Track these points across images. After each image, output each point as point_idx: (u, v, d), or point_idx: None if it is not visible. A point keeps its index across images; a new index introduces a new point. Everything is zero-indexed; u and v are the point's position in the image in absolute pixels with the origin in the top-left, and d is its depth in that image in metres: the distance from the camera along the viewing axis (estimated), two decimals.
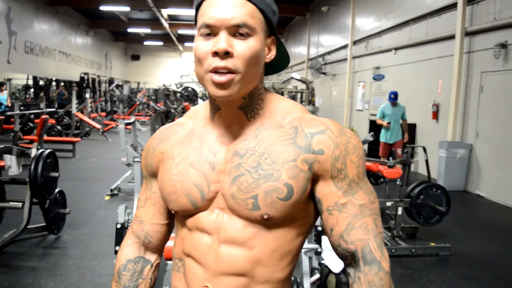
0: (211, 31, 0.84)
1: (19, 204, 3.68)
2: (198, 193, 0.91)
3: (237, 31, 0.84)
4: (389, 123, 7.11)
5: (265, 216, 0.86)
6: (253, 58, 0.85)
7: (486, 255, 4.23)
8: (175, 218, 1.02)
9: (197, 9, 0.90)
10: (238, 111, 0.91)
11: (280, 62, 1.01)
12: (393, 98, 6.97)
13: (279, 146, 0.88)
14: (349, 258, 0.89)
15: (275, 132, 0.90)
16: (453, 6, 7.53)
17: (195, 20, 0.91)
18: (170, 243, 2.26)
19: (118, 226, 2.63)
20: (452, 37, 7.49)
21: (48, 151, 4.09)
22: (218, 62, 0.83)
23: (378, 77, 11.14)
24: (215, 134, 0.94)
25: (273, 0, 0.92)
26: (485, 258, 4.13)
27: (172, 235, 2.59)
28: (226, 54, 0.82)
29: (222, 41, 0.82)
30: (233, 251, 0.89)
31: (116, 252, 2.66)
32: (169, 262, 2.62)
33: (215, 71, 0.83)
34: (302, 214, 0.91)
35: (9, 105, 12.36)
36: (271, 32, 0.92)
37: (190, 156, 0.94)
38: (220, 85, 0.83)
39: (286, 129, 0.91)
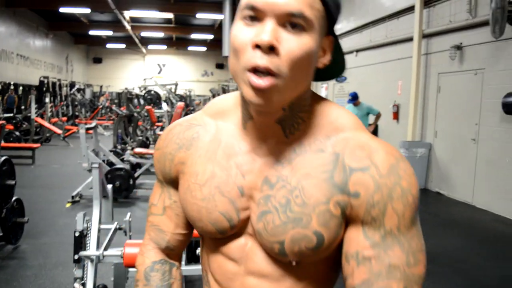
0: (256, 16, 0.67)
1: None
2: (227, 222, 0.79)
3: (289, 21, 0.66)
4: None
5: (293, 263, 0.76)
6: (303, 61, 0.67)
7: (446, 250, 4.37)
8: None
9: None
10: (275, 125, 0.75)
11: (334, 68, 0.83)
12: (351, 99, 7.04)
13: (315, 181, 0.73)
14: None
15: (313, 159, 0.75)
16: (410, 9, 7.76)
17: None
18: (131, 250, 2.23)
19: (77, 234, 2.57)
20: (410, 39, 7.72)
21: (3, 158, 3.95)
22: (258, 59, 0.65)
23: (340, 79, 11.33)
24: (246, 148, 0.79)
25: None
26: (446, 254, 4.26)
27: (129, 241, 2.52)
28: (270, 50, 0.65)
29: (267, 30, 0.65)
30: (261, 285, 0.79)
31: (75, 260, 2.59)
32: (130, 269, 2.57)
33: (254, 70, 0.66)
34: (338, 249, 0.77)
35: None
36: (330, 30, 0.74)
37: (216, 176, 0.79)
38: (258, 91, 0.67)
39: (326, 155, 0.74)
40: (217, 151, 0.81)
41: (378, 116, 7.17)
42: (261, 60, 0.65)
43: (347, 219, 0.73)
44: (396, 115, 8.55)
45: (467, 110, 6.54)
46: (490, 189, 6.02)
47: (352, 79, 10.73)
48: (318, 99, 0.79)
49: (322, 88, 12.96)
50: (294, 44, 0.66)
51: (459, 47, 6.54)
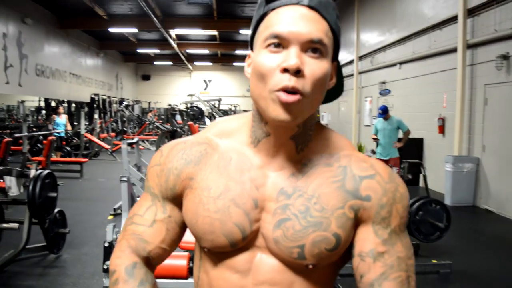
0: (280, 44, 0.75)
1: (16, 225, 3.72)
2: (240, 234, 0.82)
3: (311, 47, 0.75)
4: (376, 138, 7.13)
5: (310, 266, 0.81)
6: (322, 81, 0.76)
7: (489, 271, 4.13)
8: (198, 250, 0.92)
9: (259, 20, 0.81)
10: (289, 141, 0.83)
11: (334, 91, 0.91)
12: (381, 113, 6.90)
13: (328, 189, 0.81)
14: None
15: (324, 171, 0.83)
16: (454, 19, 7.53)
17: (253, 34, 0.83)
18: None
19: (106, 244, 2.65)
20: (454, 50, 7.47)
21: (46, 171, 4.15)
22: (287, 81, 0.73)
23: (384, 92, 11.12)
24: (258, 164, 0.84)
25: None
26: (488, 275, 4.03)
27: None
28: (297, 73, 0.73)
29: (294, 56, 0.73)
30: None
31: (104, 270, 2.67)
32: (158, 280, 2.62)
33: (284, 90, 0.73)
34: (342, 255, 0.86)
35: (69, 129, 12.15)
36: (335, 56, 0.83)
37: (230, 190, 0.83)
38: (287, 106, 0.74)
39: (334, 168, 0.83)
40: (229, 167, 0.84)
41: (407, 133, 6.93)
42: (290, 82, 0.73)
43: (358, 221, 0.81)
44: (441, 129, 8.24)
45: None
46: None
47: (395, 92, 10.50)
48: (319, 124, 0.89)
49: (366, 102, 12.75)
50: (316, 67, 0.75)
51: (505, 57, 6.25)
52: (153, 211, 0.90)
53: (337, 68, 0.86)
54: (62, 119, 11.38)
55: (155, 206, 0.90)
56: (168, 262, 2.33)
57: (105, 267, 2.65)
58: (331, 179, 0.82)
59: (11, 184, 4.18)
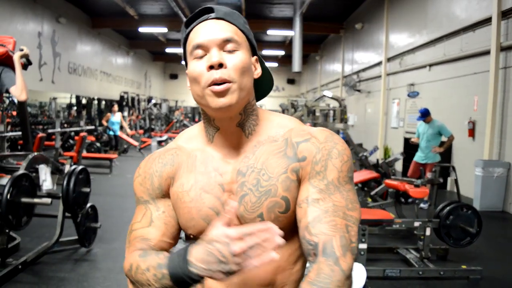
0: (203, 51, 0.91)
1: (48, 200, 3.78)
2: (215, 215, 0.93)
3: (226, 46, 0.90)
4: (413, 141, 6.97)
5: None
6: (244, 68, 0.90)
7: None
8: (188, 240, 1.03)
9: (185, 41, 0.97)
10: (236, 128, 0.95)
11: (265, 86, 1.08)
12: (421, 116, 6.70)
13: (273, 159, 0.93)
14: (312, 254, 0.86)
15: (270, 146, 0.95)
16: (487, 20, 7.36)
17: (184, 53, 0.98)
18: None
19: None
20: (487, 52, 7.30)
21: (80, 167, 4.27)
22: (215, 75, 0.88)
23: (412, 94, 10.95)
24: (218, 156, 0.98)
25: (249, 27, 1.00)
26: None
27: None
28: (220, 66, 0.88)
29: (215, 55, 0.89)
30: None
31: None
32: None
33: (214, 83, 0.88)
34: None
35: (125, 126, 12.11)
36: (254, 52, 0.99)
37: (199, 181, 0.96)
38: (219, 94, 0.88)
39: (279, 142, 0.96)
40: (195, 163, 0.98)
41: (450, 139, 6.61)
42: (216, 74, 0.87)
43: (299, 181, 0.92)
44: (471, 132, 8.07)
45: None
46: None
47: (424, 95, 10.33)
48: (262, 110, 1.02)
49: (393, 104, 12.59)
50: (234, 59, 0.90)
51: None
52: (148, 214, 1.01)
53: (260, 62, 1.01)
54: (116, 118, 11.18)
55: (149, 210, 1.02)
56: None
57: None
58: (275, 151, 0.94)
59: (46, 177, 4.31)
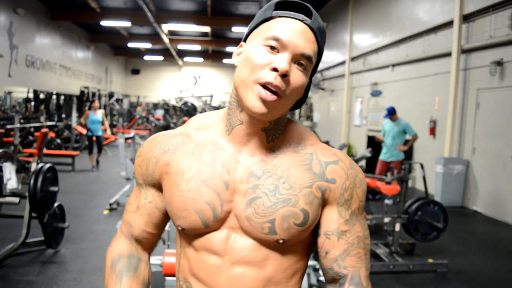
0: (277, 47, 0.85)
1: (16, 199, 3.62)
2: (211, 212, 0.89)
3: (300, 60, 0.86)
4: (379, 139, 7.11)
5: (280, 241, 0.88)
6: (299, 90, 0.87)
7: (483, 271, 4.24)
8: (179, 235, 0.99)
9: (264, 20, 0.89)
10: (260, 131, 0.91)
11: (298, 102, 1.02)
12: (387, 114, 6.83)
13: (296, 171, 0.90)
14: (336, 281, 0.93)
15: (291, 157, 0.92)
16: (449, 24, 7.64)
17: (253, 28, 0.91)
18: (170, 259, 2.29)
19: None
20: (448, 54, 7.59)
21: (48, 165, 4.12)
22: (272, 79, 0.82)
23: (375, 93, 11.23)
24: (230, 150, 0.92)
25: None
26: (483, 274, 4.14)
27: (169, 251, 2.60)
28: (284, 76, 0.83)
29: (286, 62, 0.83)
30: (246, 272, 0.89)
31: None
32: (168, 278, 2.64)
33: (265, 86, 0.83)
34: (309, 235, 0.94)
35: (108, 129, 10.89)
36: (311, 75, 0.95)
37: (202, 172, 0.90)
38: (264, 102, 0.83)
39: (301, 154, 0.93)
40: (203, 153, 0.92)
41: (414, 137, 6.80)
42: (276, 80, 0.82)
43: (324, 202, 0.91)
44: (432, 131, 8.37)
45: (507, 127, 6.35)
46: None
47: (387, 94, 10.61)
48: (289, 120, 0.99)
49: (356, 102, 12.86)
50: (298, 77, 0.86)
51: (499, 63, 6.39)
52: (139, 198, 1.01)
53: (309, 84, 0.97)
54: (97, 115, 9.47)
55: (141, 194, 1.01)
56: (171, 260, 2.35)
57: None
58: (298, 163, 0.91)
59: (11, 176, 4.13)
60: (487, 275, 4.13)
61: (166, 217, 1.01)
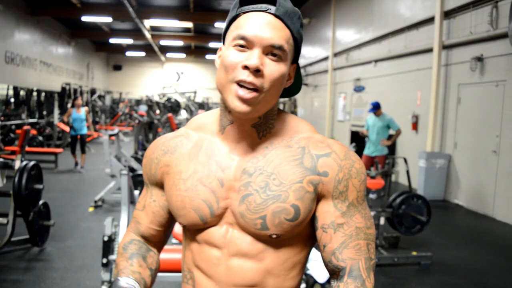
0: (246, 45, 0.85)
1: (4, 220, 3.62)
2: (207, 208, 0.92)
3: (271, 51, 0.85)
4: (363, 133, 7.15)
5: (273, 236, 0.89)
6: (279, 81, 0.87)
7: (466, 263, 4.35)
8: (184, 231, 1.03)
9: (232, 20, 0.90)
10: (251, 128, 0.92)
11: (293, 88, 1.04)
12: (372, 108, 6.85)
13: (287, 166, 0.90)
14: (337, 274, 0.92)
15: (283, 152, 0.92)
16: (430, 20, 7.76)
17: (226, 30, 0.92)
18: (164, 256, 2.30)
19: (105, 238, 2.65)
20: (430, 50, 7.71)
21: (32, 163, 4.08)
22: (245, 76, 0.83)
23: (358, 89, 11.34)
24: (224, 149, 0.95)
25: (302, 32, 0.95)
26: (466, 266, 4.24)
27: (169, 247, 2.62)
28: (256, 72, 0.83)
29: (255, 57, 0.83)
30: (244, 264, 0.92)
31: (103, 264, 2.68)
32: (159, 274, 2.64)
33: (240, 84, 0.84)
34: (308, 228, 0.94)
35: (90, 126, 10.38)
36: (295, 60, 0.95)
37: (198, 172, 0.94)
38: (243, 101, 0.84)
39: (293, 149, 0.92)
40: (199, 154, 0.96)
41: (398, 132, 6.84)
42: (248, 77, 0.83)
43: (319, 195, 0.91)
44: (415, 126, 8.51)
45: (487, 122, 6.50)
46: (511, 202, 5.96)
47: (370, 89, 10.73)
48: (282, 112, 0.99)
49: (340, 98, 12.97)
50: (274, 69, 0.86)
51: (480, 59, 6.52)
52: (146, 197, 1.07)
53: (297, 69, 0.98)
54: (80, 113, 8.85)
55: (147, 193, 1.07)
56: (165, 256, 2.36)
57: (104, 261, 2.65)
58: (290, 158, 0.91)
59: None
60: (470, 267, 4.24)
61: (170, 215, 1.05)
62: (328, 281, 2.93)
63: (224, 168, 0.93)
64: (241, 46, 0.85)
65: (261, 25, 0.85)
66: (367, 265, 0.90)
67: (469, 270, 4.15)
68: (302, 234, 0.94)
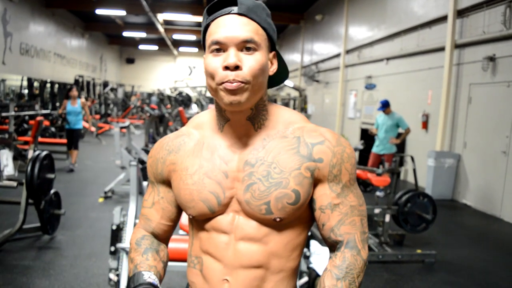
0: (221, 48, 0.93)
1: (14, 183, 3.67)
2: (215, 199, 1.01)
3: (245, 46, 0.93)
4: (371, 132, 7.16)
5: (277, 219, 0.99)
6: (260, 70, 0.94)
7: (470, 262, 4.35)
8: (190, 222, 1.11)
9: (205, 30, 0.99)
10: (246, 122, 1.01)
11: (280, 76, 1.12)
12: (381, 106, 6.86)
13: (285, 155, 0.99)
14: (335, 247, 1.03)
15: (280, 142, 1.01)
16: (443, 18, 7.71)
17: (203, 40, 1.01)
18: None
19: (114, 227, 2.72)
20: (442, 49, 7.67)
21: (44, 153, 4.17)
22: (229, 76, 0.92)
23: (370, 86, 11.31)
24: (225, 144, 1.03)
25: (271, 20, 1.03)
26: (469, 265, 4.25)
27: (176, 237, 2.69)
28: (236, 68, 0.92)
29: (232, 56, 0.92)
30: (250, 247, 1.01)
31: (111, 252, 2.75)
32: None
33: (227, 81, 0.92)
34: (306, 212, 1.04)
35: (88, 119, 9.17)
36: (272, 47, 1.03)
37: (203, 167, 1.02)
38: (232, 91, 0.92)
39: (289, 139, 1.01)
40: (202, 150, 1.05)
41: (407, 131, 6.83)
42: (231, 76, 0.91)
43: (315, 180, 1.00)
44: (425, 125, 8.47)
45: (498, 122, 6.46)
46: None
47: (381, 87, 10.69)
48: (271, 104, 1.07)
49: (351, 95, 12.94)
50: (252, 61, 0.93)
51: (492, 59, 6.47)
52: (153, 195, 1.14)
53: (278, 56, 1.05)
54: (75, 105, 8.10)
55: (154, 191, 1.14)
56: (173, 245, 2.42)
57: (112, 249, 2.72)
58: (287, 147, 1.00)
59: (8, 162, 4.18)
60: (473, 266, 4.24)
61: (178, 209, 1.14)
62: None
63: (228, 161, 1.02)
64: (217, 50, 0.94)
65: (229, 26, 0.93)
66: (362, 238, 1.02)
67: (473, 269, 4.16)
68: (302, 217, 1.04)
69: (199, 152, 1.05)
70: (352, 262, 0.99)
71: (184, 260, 2.50)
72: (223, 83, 0.92)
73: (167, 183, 1.10)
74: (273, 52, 1.03)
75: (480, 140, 6.89)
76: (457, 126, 7.53)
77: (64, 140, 9.22)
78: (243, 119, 1.01)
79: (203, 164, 1.03)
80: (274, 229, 1.01)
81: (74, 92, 8.18)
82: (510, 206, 6.10)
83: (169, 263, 2.60)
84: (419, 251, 4.30)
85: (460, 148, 7.40)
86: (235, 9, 0.94)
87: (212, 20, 0.96)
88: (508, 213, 6.14)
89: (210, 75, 0.95)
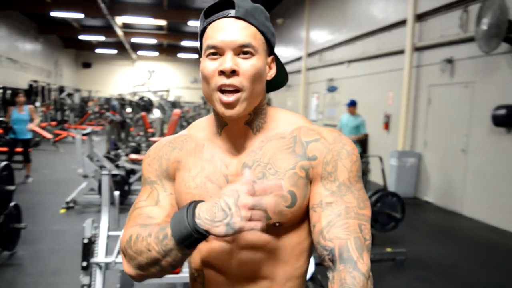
0: (217, 52, 0.90)
1: None
2: None
3: (242, 51, 0.89)
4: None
5: (276, 224, 0.93)
6: (257, 76, 0.91)
7: (438, 258, 4.48)
8: None
9: (202, 33, 0.95)
10: (244, 126, 0.98)
11: (279, 80, 1.09)
12: (350, 103, 6.88)
13: (281, 155, 0.95)
14: (327, 260, 0.88)
15: (278, 143, 0.97)
16: (403, 22, 7.93)
17: (200, 44, 0.97)
18: None
19: (85, 241, 2.58)
20: (402, 51, 7.88)
21: (3, 163, 3.95)
22: (225, 80, 0.88)
23: (331, 89, 11.48)
24: (224, 148, 1.00)
25: (270, 24, 0.99)
26: (438, 261, 4.37)
27: None
28: (232, 73, 0.88)
29: (228, 60, 0.88)
30: (254, 255, 0.95)
31: (83, 268, 2.61)
32: None
33: (222, 90, 0.89)
34: (308, 215, 0.95)
35: (35, 126, 7.64)
36: (271, 52, 0.99)
37: (205, 169, 0.98)
38: (228, 105, 0.89)
39: (287, 139, 0.97)
40: (203, 151, 1.01)
41: (363, 136, 6.91)
42: (227, 81, 0.88)
43: (310, 180, 0.94)
44: (387, 125, 8.69)
45: (457, 122, 6.70)
46: (479, 199, 6.17)
47: (343, 89, 10.88)
48: (272, 107, 1.04)
49: (313, 98, 13.10)
50: (248, 65, 0.90)
51: (450, 61, 6.71)
52: (155, 193, 1.04)
53: (276, 60, 1.02)
54: (23, 112, 7.35)
55: (156, 190, 1.04)
56: None
57: (84, 264, 2.59)
58: (284, 147, 0.96)
59: None
60: (441, 261, 4.36)
61: None
62: (311, 278, 2.97)
63: (228, 164, 0.98)
64: (214, 54, 0.90)
65: (226, 30, 0.90)
66: (357, 245, 0.86)
67: (441, 264, 4.27)
68: (305, 221, 0.97)
69: (200, 153, 1.01)
70: (350, 283, 0.83)
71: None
72: (218, 89, 0.90)
73: (173, 179, 1.04)
74: (272, 57, 1.00)
75: (440, 139, 7.13)
76: (417, 126, 7.75)
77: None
78: (241, 123, 0.98)
79: (205, 166, 0.99)
80: (276, 235, 0.95)
81: (21, 98, 7.46)
82: (471, 201, 6.34)
83: (169, 276, 2.50)
84: (389, 249, 4.37)
85: (421, 147, 7.62)
86: (232, 12, 0.91)
87: (209, 23, 0.93)
88: (468, 208, 6.37)
89: (205, 79, 0.92)
